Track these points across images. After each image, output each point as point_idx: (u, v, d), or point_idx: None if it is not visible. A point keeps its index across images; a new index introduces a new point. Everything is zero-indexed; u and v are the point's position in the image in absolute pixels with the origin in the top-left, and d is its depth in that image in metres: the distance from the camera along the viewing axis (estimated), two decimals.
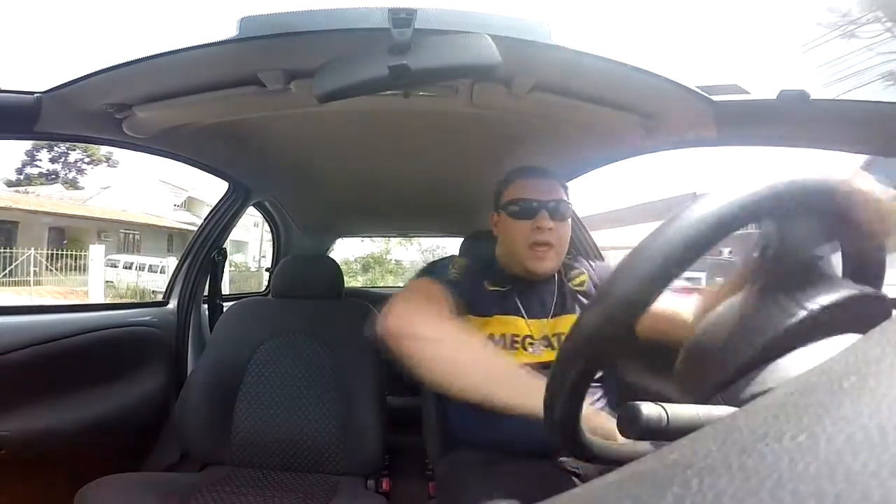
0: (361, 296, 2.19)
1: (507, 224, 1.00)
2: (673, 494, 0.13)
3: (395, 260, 14.17)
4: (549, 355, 0.93)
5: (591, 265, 1.09)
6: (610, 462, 0.47)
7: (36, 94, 0.85)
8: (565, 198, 1.00)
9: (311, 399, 1.23)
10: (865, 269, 0.43)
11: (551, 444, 0.47)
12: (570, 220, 1.02)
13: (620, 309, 0.36)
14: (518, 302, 0.99)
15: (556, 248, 0.97)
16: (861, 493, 0.11)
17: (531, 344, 0.94)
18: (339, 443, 1.18)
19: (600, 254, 1.67)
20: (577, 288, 1.04)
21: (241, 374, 1.26)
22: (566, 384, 0.40)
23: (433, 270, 0.98)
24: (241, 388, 1.25)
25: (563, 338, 0.91)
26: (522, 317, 0.97)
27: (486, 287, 1.00)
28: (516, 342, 0.95)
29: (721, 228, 0.34)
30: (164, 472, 1.25)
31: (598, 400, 0.94)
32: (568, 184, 1.57)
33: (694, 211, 0.35)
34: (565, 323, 0.97)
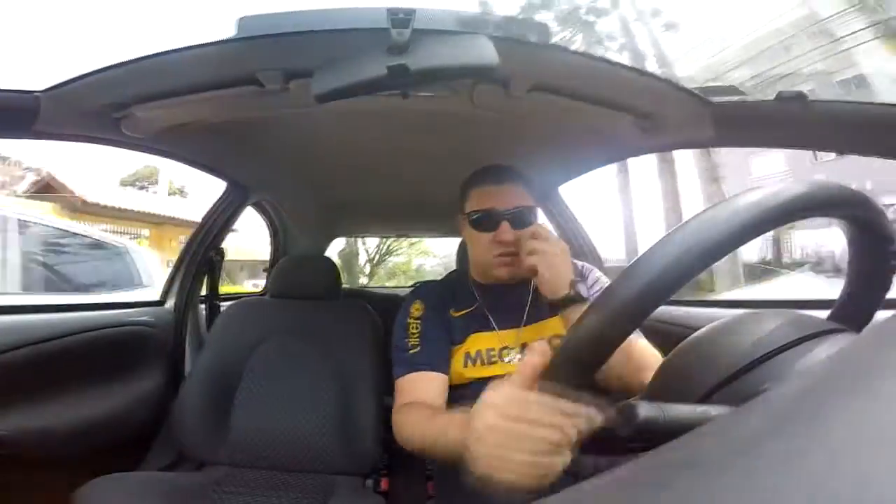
0: (360, 296, 2.19)
1: (471, 234, 0.99)
2: (671, 493, 0.13)
3: (417, 267, 15.86)
4: None
5: (582, 274, 1.04)
6: (598, 452, 0.47)
7: (34, 94, 0.84)
8: (529, 203, 0.97)
9: (309, 399, 1.23)
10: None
11: None
12: (535, 224, 0.98)
13: (621, 314, 0.36)
14: (488, 316, 0.98)
15: (522, 254, 0.95)
16: (860, 492, 0.11)
17: (507, 356, 0.93)
18: (337, 442, 1.18)
19: (598, 256, 1.67)
20: None
21: (238, 373, 1.26)
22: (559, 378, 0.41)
23: (398, 343, 0.96)
24: (239, 387, 1.24)
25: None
26: (494, 330, 0.96)
27: (451, 315, 0.99)
28: (492, 356, 0.94)
29: (730, 239, 0.34)
30: (161, 472, 1.25)
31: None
32: (566, 184, 1.57)
33: (702, 219, 0.35)
34: (540, 330, 0.95)
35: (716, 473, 0.13)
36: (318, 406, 1.22)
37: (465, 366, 0.94)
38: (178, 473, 1.22)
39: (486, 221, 0.95)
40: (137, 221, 10.54)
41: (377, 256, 15.23)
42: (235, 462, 1.16)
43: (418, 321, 0.97)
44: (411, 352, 0.93)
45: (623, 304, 0.36)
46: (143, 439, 1.33)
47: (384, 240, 14.67)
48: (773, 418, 0.14)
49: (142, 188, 20.99)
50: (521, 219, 0.95)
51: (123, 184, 20.59)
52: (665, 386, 0.43)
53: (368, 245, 14.76)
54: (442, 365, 0.92)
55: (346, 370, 1.25)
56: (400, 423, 0.83)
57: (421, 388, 0.89)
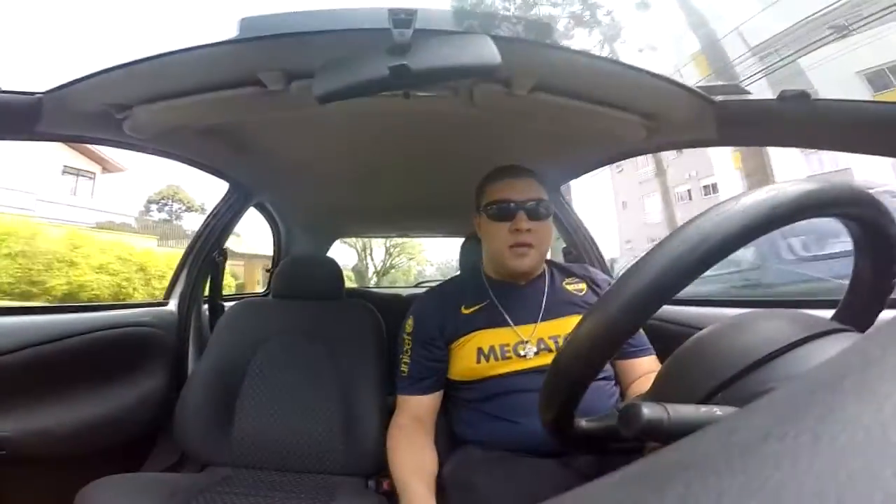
0: (361, 296, 2.19)
1: (488, 226, 1.02)
2: (674, 494, 0.12)
3: (416, 274, 18.82)
4: (543, 359, 0.92)
5: (594, 278, 1.08)
6: (602, 453, 0.47)
7: (37, 95, 0.85)
8: (544, 197, 1.00)
9: (312, 399, 1.23)
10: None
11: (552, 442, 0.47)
12: (550, 219, 1.02)
13: (625, 313, 0.36)
14: (503, 311, 0.99)
15: (537, 247, 0.99)
16: (863, 493, 0.11)
17: (523, 350, 0.94)
18: (339, 443, 1.18)
19: (603, 260, 1.67)
20: (574, 293, 1.04)
21: (241, 374, 1.26)
22: (564, 384, 0.40)
23: (397, 359, 1.05)
24: (242, 388, 1.24)
25: (559, 341, 0.92)
26: (509, 325, 0.97)
27: (462, 312, 1.01)
28: (507, 351, 0.94)
29: (729, 242, 0.34)
30: (164, 473, 1.25)
31: (610, 397, 0.94)
32: (568, 184, 1.57)
33: (702, 221, 0.35)
34: (557, 326, 0.96)
35: (719, 474, 0.13)
36: (321, 407, 1.22)
37: (479, 361, 0.95)
38: (180, 474, 1.22)
39: (503, 212, 0.99)
40: (240, 258, 13.51)
41: (383, 269, 18.60)
42: (238, 463, 1.16)
43: (409, 337, 1.03)
44: (401, 374, 1.02)
45: (628, 301, 0.36)
46: (145, 440, 1.33)
47: (388, 255, 18.46)
48: (777, 419, 0.14)
49: (165, 206, 22.61)
50: (536, 210, 0.98)
51: (150, 202, 22.42)
52: (669, 386, 0.43)
53: (375, 260, 18.51)
54: (428, 386, 1.00)
55: (348, 370, 1.25)
56: (390, 443, 0.96)
57: (408, 410, 1.00)
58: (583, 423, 0.45)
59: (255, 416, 1.21)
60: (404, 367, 1.01)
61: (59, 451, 1.04)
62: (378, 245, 18.27)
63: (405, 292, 2.71)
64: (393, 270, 18.75)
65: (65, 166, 14.13)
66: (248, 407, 1.22)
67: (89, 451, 1.11)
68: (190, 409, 1.19)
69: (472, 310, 1.01)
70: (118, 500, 0.90)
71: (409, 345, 1.02)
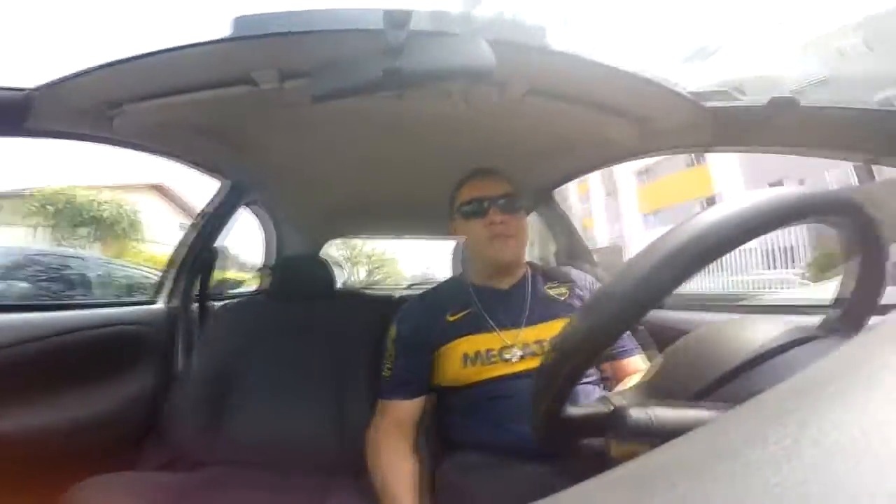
0: (354, 296, 2.18)
1: (464, 226, 1.04)
2: (660, 497, 0.13)
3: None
4: (527, 364, 0.93)
5: (576, 282, 1.08)
6: (595, 456, 0.47)
7: (26, 91, 0.84)
8: (515, 192, 1.02)
9: (304, 398, 1.22)
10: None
11: (542, 444, 0.47)
12: (523, 212, 1.04)
13: (618, 311, 0.36)
14: (486, 317, 1.00)
15: (515, 237, 1.00)
16: (846, 496, 0.11)
17: (508, 354, 0.94)
18: (332, 442, 1.17)
19: (592, 259, 1.67)
20: (557, 296, 1.04)
21: (232, 373, 1.25)
22: (553, 385, 0.41)
23: (382, 363, 1.05)
24: (233, 387, 1.23)
25: (543, 345, 0.93)
26: (494, 330, 0.97)
27: (447, 319, 1.02)
28: (492, 356, 0.95)
29: (728, 239, 0.34)
30: (154, 472, 1.23)
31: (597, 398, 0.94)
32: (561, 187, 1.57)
33: (702, 218, 0.35)
34: (540, 331, 0.96)
35: (705, 477, 0.13)
36: (313, 406, 1.21)
37: (464, 366, 0.95)
38: (171, 473, 1.21)
39: (475, 209, 1.01)
40: None
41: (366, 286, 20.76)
42: (229, 462, 1.15)
43: (393, 344, 1.04)
44: (384, 378, 1.02)
45: (619, 303, 0.36)
46: (136, 439, 1.32)
47: (369, 274, 20.03)
48: (761, 422, 0.14)
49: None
50: (508, 204, 1.00)
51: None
52: (659, 384, 0.43)
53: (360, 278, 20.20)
54: (411, 391, 1.00)
55: (340, 370, 1.25)
56: (370, 447, 0.95)
57: (389, 414, 0.99)
58: (571, 410, 0.45)
59: (246, 414, 1.20)
60: (387, 372, 1.02)
61: (48, 450, 1.03)
62: (363, 269, 20.68)
63: (397, 293, 2.71)
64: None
65: (180, 223, 18.51)
66: (239, 406, 1.21)
67: (78, 451, 1.09)
68: (181, 408, 1.18)
69: (456, 317, 1.01)
70: (108, 499, 0.89)
71: (392, 351, 1.03)
